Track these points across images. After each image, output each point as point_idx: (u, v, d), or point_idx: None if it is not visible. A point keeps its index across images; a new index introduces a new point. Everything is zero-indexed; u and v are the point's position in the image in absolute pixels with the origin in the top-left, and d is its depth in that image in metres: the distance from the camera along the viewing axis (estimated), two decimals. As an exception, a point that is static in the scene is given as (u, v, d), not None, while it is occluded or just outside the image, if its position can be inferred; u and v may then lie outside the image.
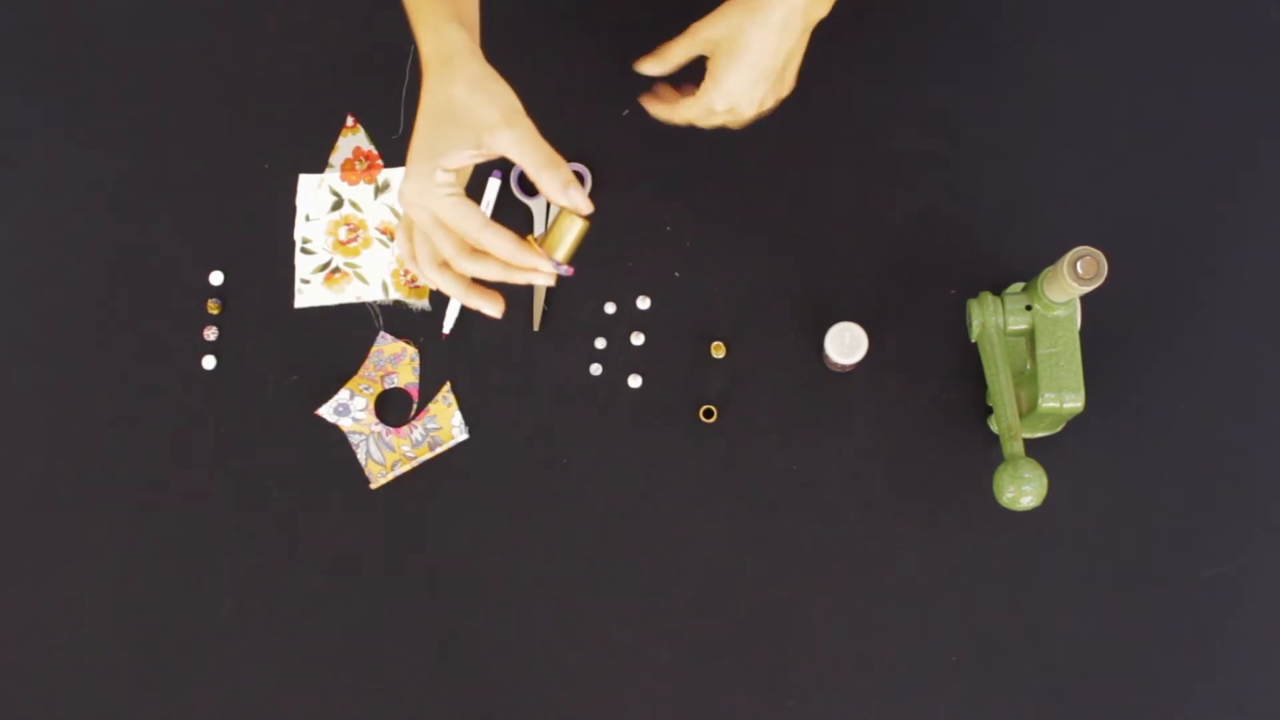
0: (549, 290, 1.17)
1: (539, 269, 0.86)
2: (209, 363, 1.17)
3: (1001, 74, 1.19)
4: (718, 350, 1.14)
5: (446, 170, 0.84)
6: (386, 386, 1.16)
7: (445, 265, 0.88)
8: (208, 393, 1.16)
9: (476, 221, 0.84)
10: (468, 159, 0.85)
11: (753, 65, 0.92)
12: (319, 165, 1.20)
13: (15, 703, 1.12)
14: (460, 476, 1.14)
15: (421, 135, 0.86)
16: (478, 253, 0.86)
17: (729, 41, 0.92)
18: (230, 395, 1.16)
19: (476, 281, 0.90)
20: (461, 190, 0.85)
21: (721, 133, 1.18)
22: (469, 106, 0.84)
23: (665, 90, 0.99)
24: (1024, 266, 1.13)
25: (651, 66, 0.97)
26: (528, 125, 0.84)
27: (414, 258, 0.89)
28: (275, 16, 1.24)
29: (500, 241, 0.84)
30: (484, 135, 0.84)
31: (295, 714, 1.11)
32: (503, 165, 1.19)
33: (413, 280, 1.17)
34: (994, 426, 1.11)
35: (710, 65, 0.94)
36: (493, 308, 0.89)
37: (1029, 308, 1.03)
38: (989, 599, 1.10)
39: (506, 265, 0.86)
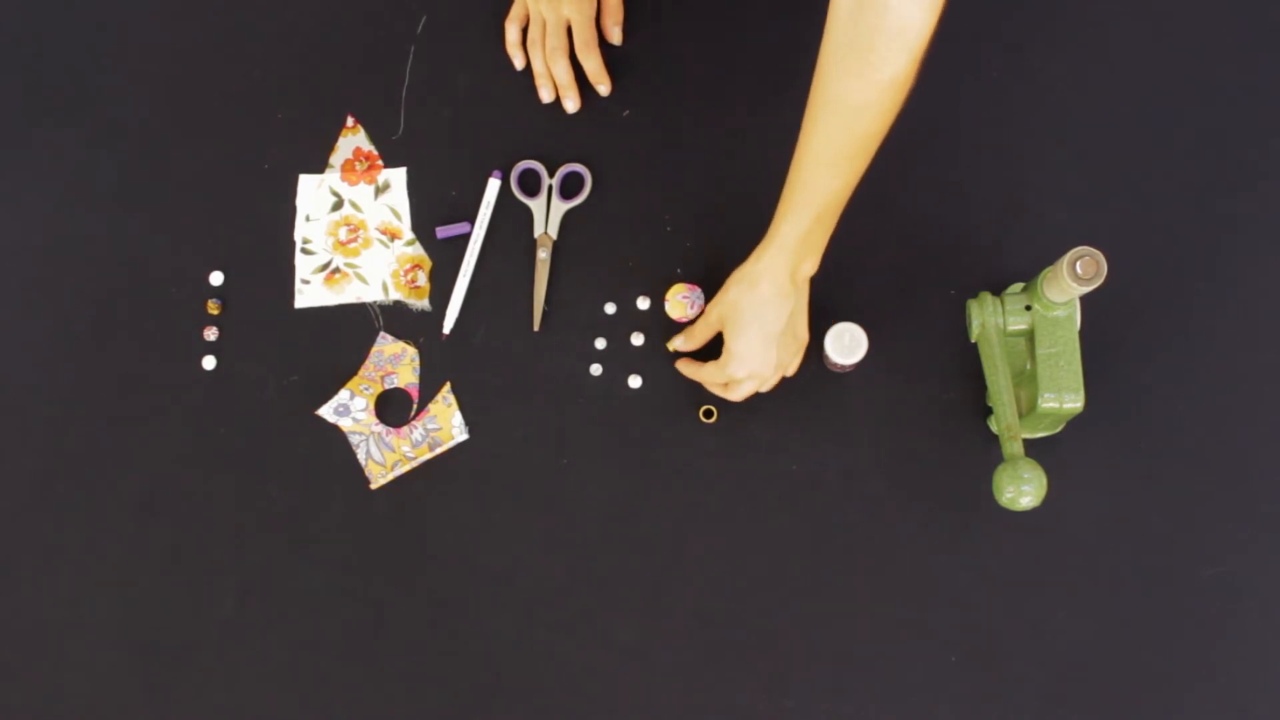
0: (549, 290, 1.17)
1: (601, 84, 1.19)
2: (209, 363, 1.17)
3: (1002, 74, 1.19)
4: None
5: None
6: (386, 387, 1.16)
7: (538, 52, 1.19)
8: (208, 393, 1.16)
9: (596, 44, 1.18)
10: None
11: (758, 333, 1.03)
12: (319, 165, 1.20)
13: (15, 703, 1.12)
14: (460, 476, 1.14)
15: None
16: (567, 60, 1.18)
17: (733, 316, 1.04)
18: (230, 395, 1.16)
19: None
20: (594, 15, 1.18)
21: (720, 133, 1.19)
22: None
23: (687, 361, 1.13)
24: (1024, 266, 1.13)
25: (681, 343, 1.13)
26: None
27: (519, 44, 1.20)
28: (275, 16, 1.24)
29: (596, 62, 1.18)
30: None
31: (295, 714, 1.11)
32: (502, 164, 1.19)
33: (413, 281, 1.17)
34: (994, 426, 1.11)
35: (724, 338, 1.06)
36: (547, 94, 1.19)
37: (1029, 308, 1.03)
38: (989, 599, 1.10)
39: (590, 77, 1.19)
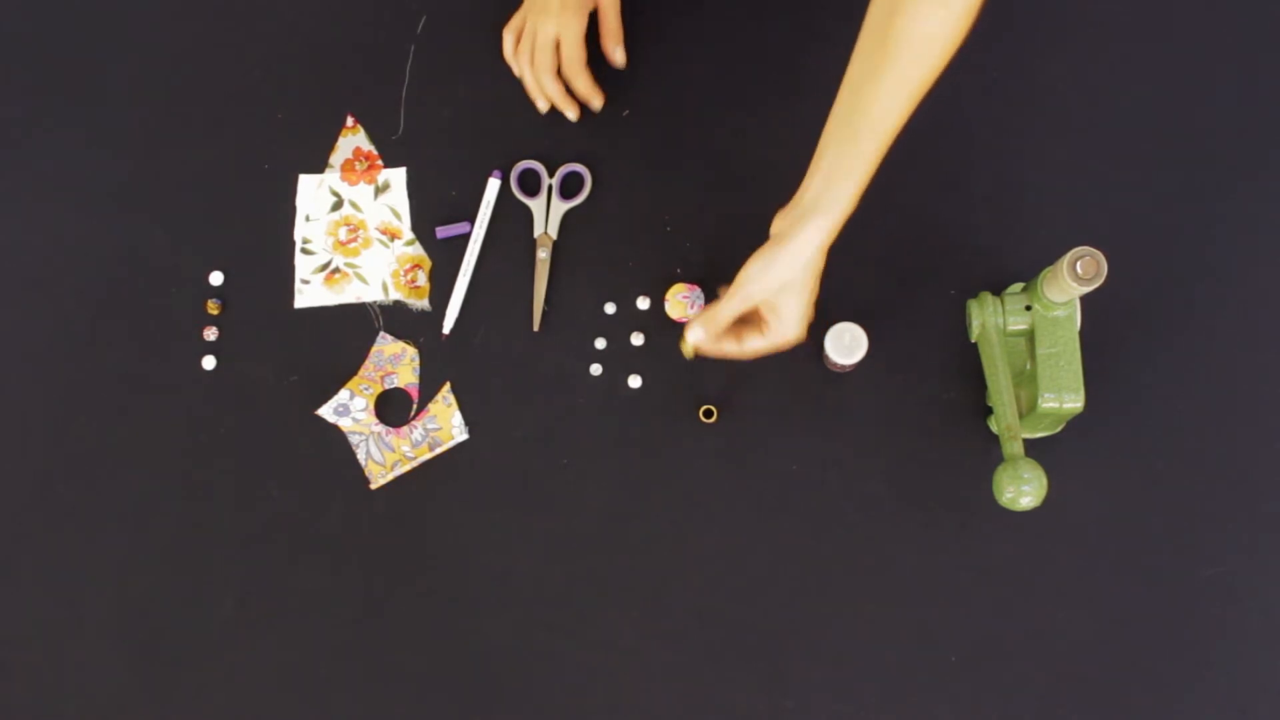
0: (549, 290, 1.17)
1: (592, 101, 1.18)
2: (209, 363, 1.17)
3: (1002, 74, 1.19)
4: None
5: (585, 17, 1.15)
6: (386, 387, 1.16)
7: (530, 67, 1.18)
8: (208, 393, 1.16)
9: (584, 64, 1.16)
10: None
11: (802, 299, 1.00)
12: (319, 165, 1.20)
13: (15, 703, 1.12)
14: (460, 476, 1.14)
15: None
16: (554, 76, 1.17)
17: (780, 290, 0.99)
18: (230, 395, 1.16)
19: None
20: (584, 36, 1.16)
21: (720, 133, 1.19)
22: None
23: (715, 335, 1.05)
24: (1024, 266, 1.13)
25: (701, 335, 1.03)
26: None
27: (516, 49, 1.19)
28: (275, 16, 1.24)
29: (585, 82, 1.17)
30: None
31: (295, 714, 1.11)
32: (502, 164, 1.19)
33: (413, 281, 1.17)
34: (994, 426, 1.11)
35: (767, 312, 1.01)
36: (543, 105, 1.19)
37: (1029, 308, 1.03)
38: (989, 599, 1.10)
39: (581, 95, 1.18)
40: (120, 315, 1.18)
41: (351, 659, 1.12)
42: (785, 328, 1.01)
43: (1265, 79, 1.18)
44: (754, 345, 1.03)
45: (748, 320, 1.04)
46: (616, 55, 1.18)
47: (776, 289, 0.99)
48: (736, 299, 1.01)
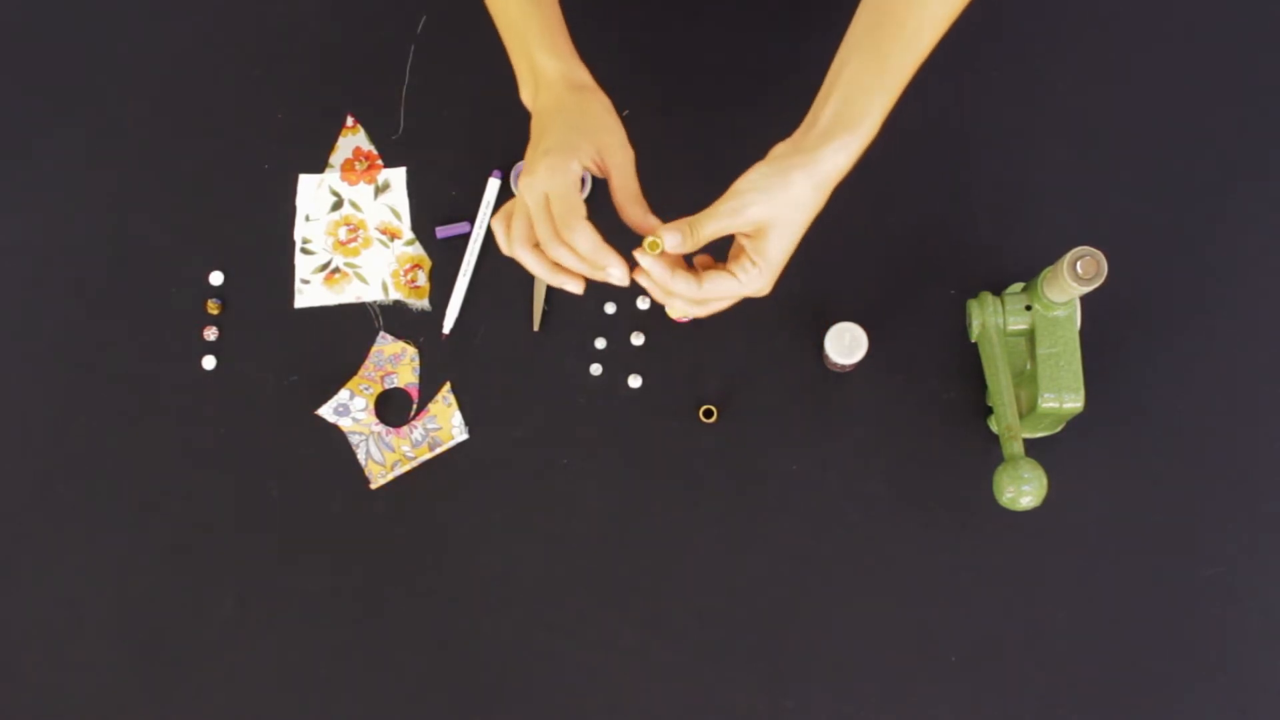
0: (549, 290, 1.17)
1: (610, 273, 0.91)
2: (209, 363, 1.17)
3: (1001, 74, 1.19)
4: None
5: (578, 167, 0.92)
6: (386, 386, 1.16)
7: (536, 248, 0.93)
8: (208, 393, 1.16)
9: (578, 218, 0.90)
10: (589, 161, 0.93)
11: (792, 240, 0.91)
12: (319, 165, 1.20)
13: (15, 703, 1.12)
14: (460, 476, 1.14)
15: (556, 133, 0.93)
16: (565, 242, 0.91)
17: (785, 213, 0.90)
18: (230, 395, 1.16)
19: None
20: (578, 188, 0.92)
21: (722, 135, 1.19)
22: (600, 124, 0.95)
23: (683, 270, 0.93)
24: (1024, 266, 1.13)
25: (676, 241, 0.90)
26: (633, 155, 0.95)
27: (509, 234, 0.93)
28: (275, 16, 1.24)
29: (586, 239, 0.90)
30: (606, 151, 0.94)
31: (295, 714, 1.11)
32: (502, 164, 1.19)
33: (413, 280, 1.17)
34: (994, 426, 1.11)
35: (754, 241, 0.91)
36: (575, 286, 0.93)
37: (1029, 308, 1.03)
38: (989, 599, 1.10)
39: (584, 260, 0.91)
40: (120, 316, 1.18)
41: (351, 659, 1.12)
42: (763, 272, 0.90)
43: (1265, 79, 1.18)
44: (716, 287, 0.91)
45: (711, 262, 0.94)
46: (649, 222, 0.94)
47: (778, 212, 0.89)
48: (725, 212, 0.90)
